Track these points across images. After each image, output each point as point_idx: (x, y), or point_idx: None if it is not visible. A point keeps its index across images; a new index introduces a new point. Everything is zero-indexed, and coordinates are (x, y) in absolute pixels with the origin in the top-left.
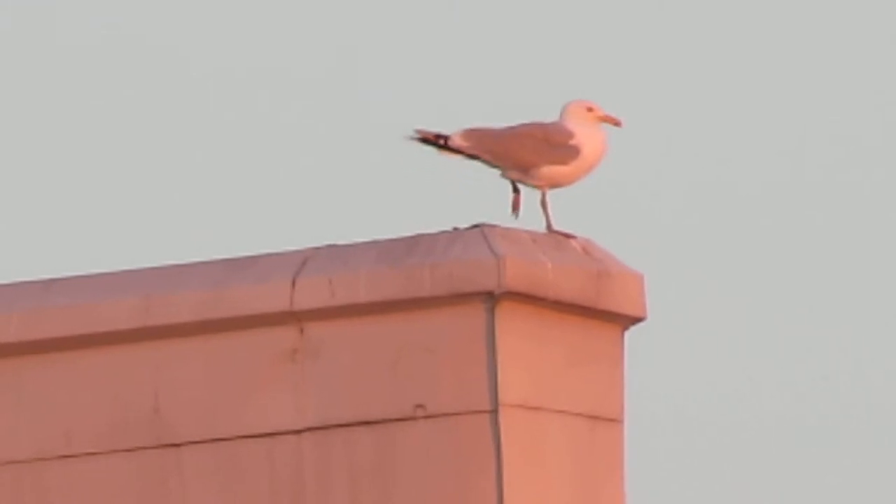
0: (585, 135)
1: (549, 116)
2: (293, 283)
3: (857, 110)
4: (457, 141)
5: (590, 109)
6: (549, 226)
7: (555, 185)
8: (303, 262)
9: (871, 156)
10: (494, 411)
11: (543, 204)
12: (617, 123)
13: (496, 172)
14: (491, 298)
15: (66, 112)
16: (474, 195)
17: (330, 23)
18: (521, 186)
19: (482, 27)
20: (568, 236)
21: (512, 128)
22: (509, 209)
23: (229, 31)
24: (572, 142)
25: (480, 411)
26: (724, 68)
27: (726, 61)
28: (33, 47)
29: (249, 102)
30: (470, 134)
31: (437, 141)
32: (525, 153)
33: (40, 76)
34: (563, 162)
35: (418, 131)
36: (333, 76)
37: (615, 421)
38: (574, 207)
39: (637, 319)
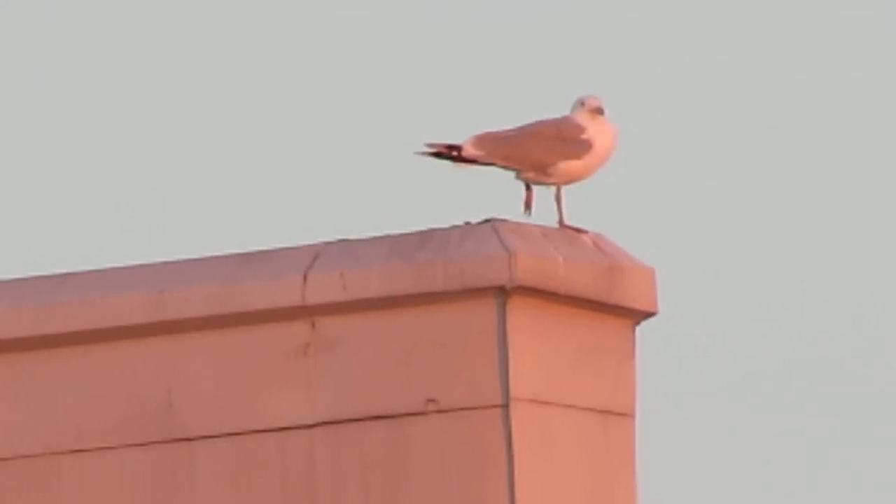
0: (596, 128)
1: (546, 114)
2: (305, 278)
3: (866, 107)
4: (470, 150)
5: (582, 104)
6: (561, 221)
7: (570, 180)
8: (314, 256)
9: (887, 152)
10: (506, 406)
11: (558, 199)
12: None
13: (511, 174)
14: (502, 293)
15: (77, 106)
16: (485, 190)
17: (332, 21)
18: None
19: (480, 22)
20: (579, 231)
21: (522, 128)
22: (522, 207)
23: (241, 26)
24: (584, 136)
25: (492, 406)
26: (737, 62)
27: (738, 55)
28: (34, 40)
29: (261, 97)
30: (482, 141)
31: (450, 153)
32: (540, 153)
33: (48, 69)
34: (577, 156)
35: (430, 145)
36: (343, 71)
37: (627, 416)
38: (585, 202)
39: (649, 314)
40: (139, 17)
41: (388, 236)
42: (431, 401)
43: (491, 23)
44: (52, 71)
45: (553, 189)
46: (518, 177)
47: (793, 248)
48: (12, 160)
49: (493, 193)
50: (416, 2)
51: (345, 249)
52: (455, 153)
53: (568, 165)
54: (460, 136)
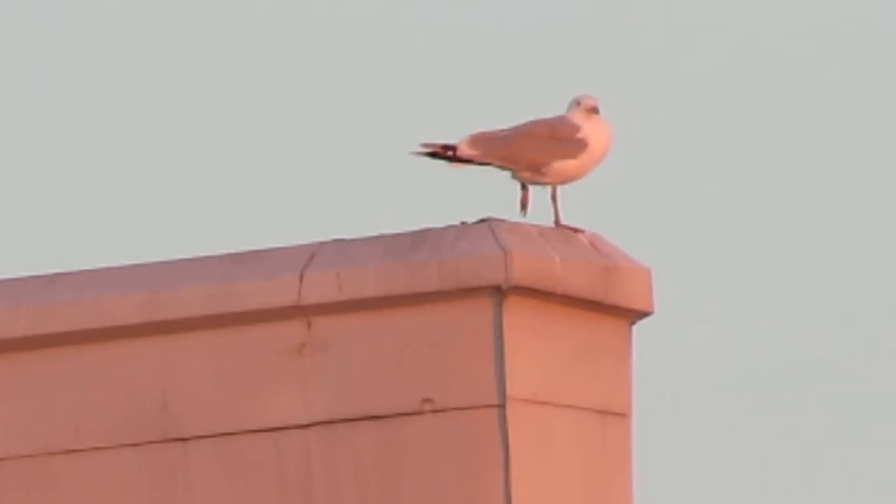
0: (592, 127)
1: (545, 114)
2: (301, 278)
3: (866, 107)
4: (465, 150)
5: (578, 103)
6: (557, 220)
7: (565, 180)
8: (310, 256)
9: (886, 153)
10: (502, 406)
11: (554, 198)
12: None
13: (507, 173)
14: (498, 293)
15: (76, 107)
16: (481, 189)
17: (331, 20)
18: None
19: (477, 21)
20: (576, 231)
21: (517, 128)
22: (518, 207)
23: (234, 27)
24: (579, 135)
25: (488, 406)
26: (737, 62)
27: (738, 55)
28: (34, 40)
29: (258, 97)
30: (477, 141)
31: (445, 153)
32: (534, 153)
33: (48, 69)
34: (572, 156)
35: (425, 145)
36: (342, 70)
37: (623, 415)
38: (582, 202)
39: (645, 314)
40: (139, 17)
41: (383, 236)
42: (427, 401)
43: (491, 23)
44: (52, 71)
45: (549, 189)
46: (514, 176)
47: (789, 248)
48: (12, 160)
49: (489, 193)
50: (416, 2)
51: (340, 249)
52: (450, 153)
53: (563, 165)
54: (458, 136)
